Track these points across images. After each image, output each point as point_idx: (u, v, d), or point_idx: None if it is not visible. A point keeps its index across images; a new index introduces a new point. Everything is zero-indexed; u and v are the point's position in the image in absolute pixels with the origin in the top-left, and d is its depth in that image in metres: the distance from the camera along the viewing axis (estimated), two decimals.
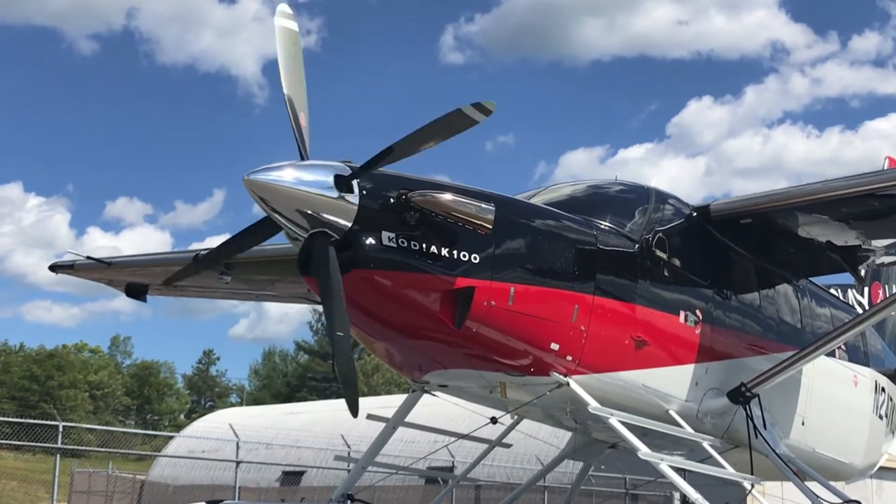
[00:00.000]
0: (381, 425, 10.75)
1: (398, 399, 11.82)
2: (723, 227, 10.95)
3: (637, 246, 9.94)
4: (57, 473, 19.86)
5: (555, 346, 8.98)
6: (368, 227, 7.99)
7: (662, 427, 9.82)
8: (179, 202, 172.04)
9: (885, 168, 16.68)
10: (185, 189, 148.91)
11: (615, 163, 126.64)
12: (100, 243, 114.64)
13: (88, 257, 14.11)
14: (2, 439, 24.49)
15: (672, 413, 10.11)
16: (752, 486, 9.77)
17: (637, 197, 10.62)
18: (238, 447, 22.92)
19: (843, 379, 13.46)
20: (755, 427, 10.81)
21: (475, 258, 8.38)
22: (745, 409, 10.78)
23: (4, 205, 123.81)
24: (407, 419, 10.61)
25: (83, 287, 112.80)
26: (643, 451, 9.12)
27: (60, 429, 19.65)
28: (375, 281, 8.13)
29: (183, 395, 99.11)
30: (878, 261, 12.02)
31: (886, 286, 17.06)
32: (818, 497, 10.74)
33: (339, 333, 7.85)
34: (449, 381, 9.67)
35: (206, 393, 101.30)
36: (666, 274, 10.16)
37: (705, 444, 9.99)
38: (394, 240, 8.08)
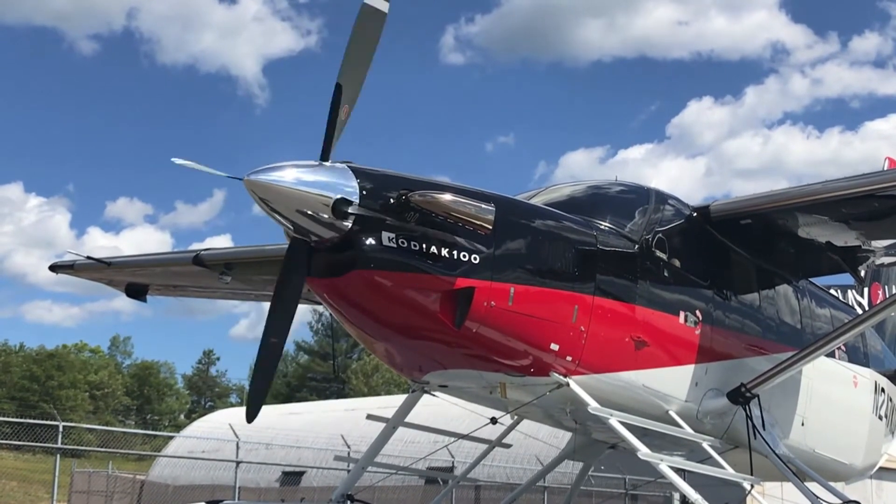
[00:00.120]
0: (381, 425, 10.75)
1: (398, 399, 11.84)
2: (723, 227, 10.96)
3: (637, 246, 9.94)
4: (57, 473, 19.88)
5: (555, 347, 8.98)
6: (368, 227, 7.99)
7: (662, 427, 9.82)
8: (179, 202, 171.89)
9: (885, 169, 16.69)
10: (185, 189, 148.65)
11: (615, 163, 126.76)
12: (100, 243, 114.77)
13: (88, 257, 14.12)
14: (2, 439, 24.50)
15: (672, 413, 10.11)
16: (752, 486, 9.78)
17: (637, 197, 10.62)
18: (238, 447, 22.94)
19: (842, 379, 13.46)
20: (755, 427, 10.81)
21: (475, 258, 8.38)
22: (745, 410, 10.78)
23: (5, 205, 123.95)
24: (407, 419, 10.62)
25: (83, 287, 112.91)
26: (643, 451, 9.12)
27: (60, 429, 19.67)
28: (375, 281, 8.13)
29: (183, 395, 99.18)
30: (878, 261, 12.02)
31: (886, 287, 17.07)
32: (818, 497, 10.74)
33: (273, 340, 7.95)
34: (449, 382, 9.67)
35: (206, 393, 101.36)
36: (666, 274, 10.16)
37: (705, 445, 10.00)
38: (394, 240, 8.08)
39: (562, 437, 13.92)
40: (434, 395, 10.18)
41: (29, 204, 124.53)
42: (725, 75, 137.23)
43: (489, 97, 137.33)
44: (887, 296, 16.69)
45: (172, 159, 8.65)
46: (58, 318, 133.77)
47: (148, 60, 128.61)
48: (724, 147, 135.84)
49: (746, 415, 10.79)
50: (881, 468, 17.77)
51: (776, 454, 10.96)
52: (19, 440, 22.83)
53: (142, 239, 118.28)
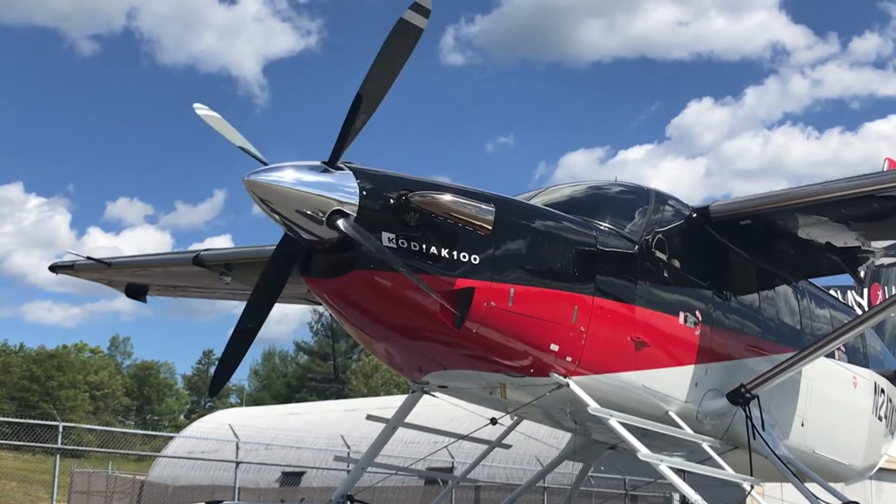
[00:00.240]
0: (381, 426, 10.76)
1: (398, 400, 11.83)
2: (722, 228, 10.96)
3: (637, 247, 9.94)
4: (57, 474, 19.88)
5: (554, 347, 8.99)
6: (368, 227, 7.98)
7: (662, 428, 9.82)
8: (180, 203, 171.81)
9: (885, 169, 16.69)
10: (185, 189, 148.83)
11: (615, 164, 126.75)
12: (100, 244, 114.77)
13: (88, 258, 14.12)
14: (2, 439, 24.50)
15: (671, 414, 10.11)
16: (752, 487, 9.78)
17: (637, 198, 10.63)
18: (238, 448, 22.94)
19: (842, 380, 13.47)
20: (754, 428, 10.81)
21: (475, 259, 8.39)
22: (745, 411, 10.79)
23: (5, 205, 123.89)
24: (407, 420, 10.62)
25: (83, 287, 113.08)
26: (643, 452, 9.12)
27: (60, 429, 19.66)
28: (375, 282, 8.14)
29: (183, 395, 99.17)
30: (878, 262, 12.02)
31: (886, 287, 17.08)
32: (817, 498, 10.73)
33: (249, 325, 8.28)
34: (449, 382, 9.67)
35: (206, 393, 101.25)
36: (665, 275, 10.16)
37: (705, 446, 10.00)
38: (394, 240, 8.08)
39: (561, 438, 13.92)
40: (434, 396, 10.18)
41: (29, 204, 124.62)
42: (725, 76, 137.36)
43: (489, 97, 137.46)
44: (887, 297, 16.71)
45: (195, 106, 8.68)
46: (58, 318, 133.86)
47: (148, 61, 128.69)
48: (724, 148, 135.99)
49: (746, 415, 10.79)
50: (881, 469, 17.77)
51: (776, 455, 10.96)
52: (19, 440, 22.84)
53: (142, 239, 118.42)
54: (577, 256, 9.23)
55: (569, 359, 9.09)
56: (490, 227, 8.23)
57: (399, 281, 8.13)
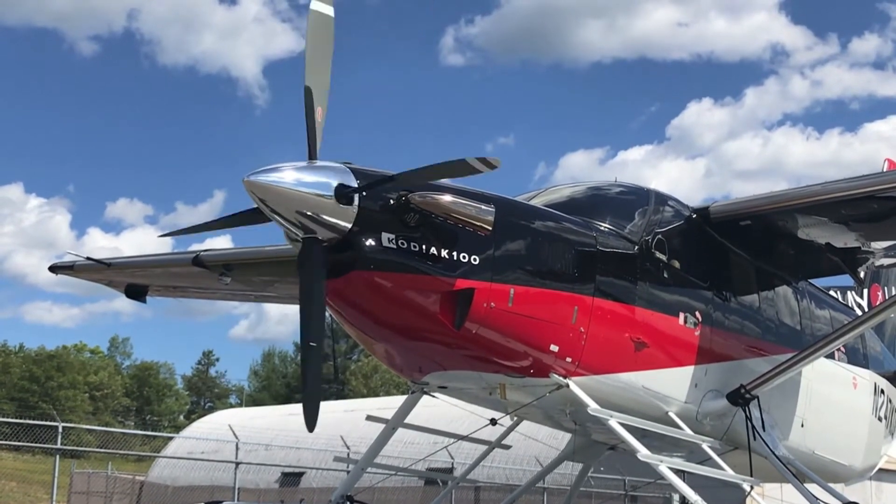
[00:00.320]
0: (381, 426, 10.75)
1: (397, 400, 11.83)
2: (722, 228, 10.96)
3: (636, 247, 9.94)
4: (56, 474, 19.87)
5: (554, 348, 8.99)
6: (368, 228, 7.99)
7: (662, 429, 9.82)
8: (180, 203, 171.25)
9: (885, 170, 16.68)
10: (185, 190, 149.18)
11: (615, 164, 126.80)
12: (100, 244, 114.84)
13: (88, 258, 14.12)
14: (1, 440, 24.46)
15: (671, 415, 10.11)
16: (752, 487, 9.78)
17: (637, 199, 10.63)
18: (237, 448, 22.92)
19: (842, 381, 13.46)
20: (754, 429, 10.81)
21: (475, 259, 8.39)
22: (745, 411, 10.79)
23: (5, 206, 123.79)
24: (406, 420, 10.61)
25: (83, 288, 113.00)
26: (642, 452, 9.13)
27: (60, 429, 19.64)
28: (375, 282, 8.14)
29: (182, 395, 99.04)
30: (878, 263, 12.03)
31: (886, 288, 17.07)
32: (817, 499, 10.73)
33: (312, 344, 7.81)
34: (448, 383, 9.67)
35: (206, 394, 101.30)
36: (665, 276, 10.16)
37: (704, 446, 10.00)
38: (394, 241, 8.09)
39: (561, 439, 13.91)
40: (433, 396, 10.18)
41: (29, 204, 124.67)
42: (725, 77, 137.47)
43: (489, 98, 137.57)
44: (887, 297, 16.70)
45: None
46: (57, 318, 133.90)
47: (148, 61, 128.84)
48: (724, 148, 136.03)
49: (746, 416, 10.79)
50: (881, 469, 17.78)
51: (776, 455, 10.96)
52: (19, 441, 22.79)
53: (142, 240, 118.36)
54: (577, 257, 9.23)
55: (569, 359, 9.09)
56: (490, 228, 8.23)
57: (399, 281, 8.14)
